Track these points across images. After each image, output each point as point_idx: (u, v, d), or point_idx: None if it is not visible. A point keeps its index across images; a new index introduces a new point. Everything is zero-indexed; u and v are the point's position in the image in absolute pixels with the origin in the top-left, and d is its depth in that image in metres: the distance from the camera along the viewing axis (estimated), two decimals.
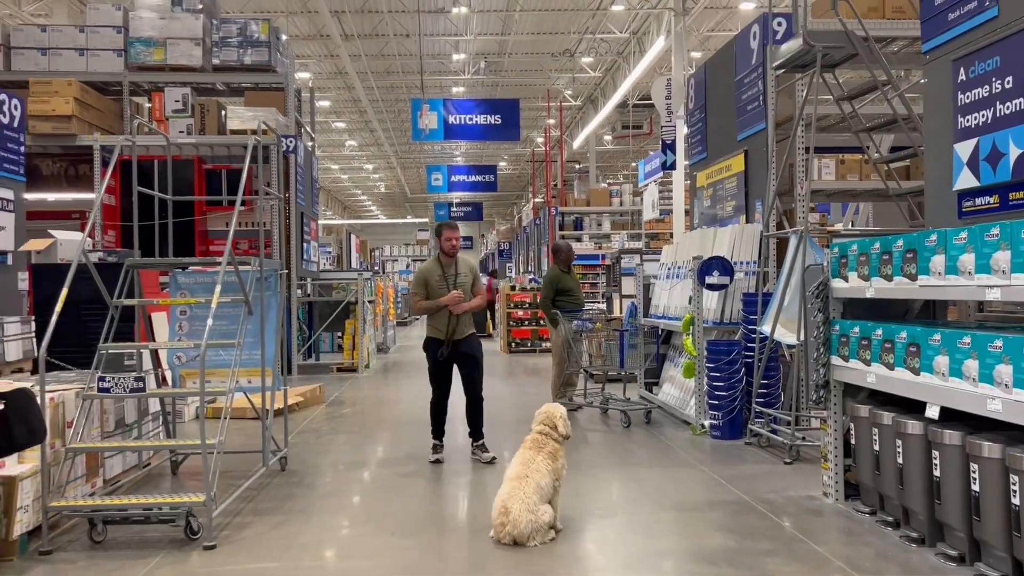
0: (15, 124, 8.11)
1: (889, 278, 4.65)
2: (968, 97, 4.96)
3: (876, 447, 4.86)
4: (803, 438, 6.69)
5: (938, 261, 4.22)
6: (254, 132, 11.61)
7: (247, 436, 7.65)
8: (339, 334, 15.03)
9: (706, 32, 20.64)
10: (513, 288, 18.18)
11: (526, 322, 17.48)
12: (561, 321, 9.07)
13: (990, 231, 3.86)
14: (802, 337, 6.20)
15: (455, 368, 6.85)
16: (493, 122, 20.38)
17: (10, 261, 7.83)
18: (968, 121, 4.95)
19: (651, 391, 9.60)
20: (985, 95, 4.79)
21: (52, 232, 8.30)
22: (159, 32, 12.19)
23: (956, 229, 4.13)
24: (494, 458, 6.75)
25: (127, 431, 6.01)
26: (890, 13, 7.57)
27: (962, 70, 5.02)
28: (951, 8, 5.18)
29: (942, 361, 4.16)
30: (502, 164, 39.61)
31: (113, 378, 4.99)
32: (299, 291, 13.52)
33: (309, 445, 7.57)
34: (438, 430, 6.91)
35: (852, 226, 10.13)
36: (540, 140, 31.11)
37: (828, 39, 6.66)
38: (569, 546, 4.64)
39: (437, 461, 6.75)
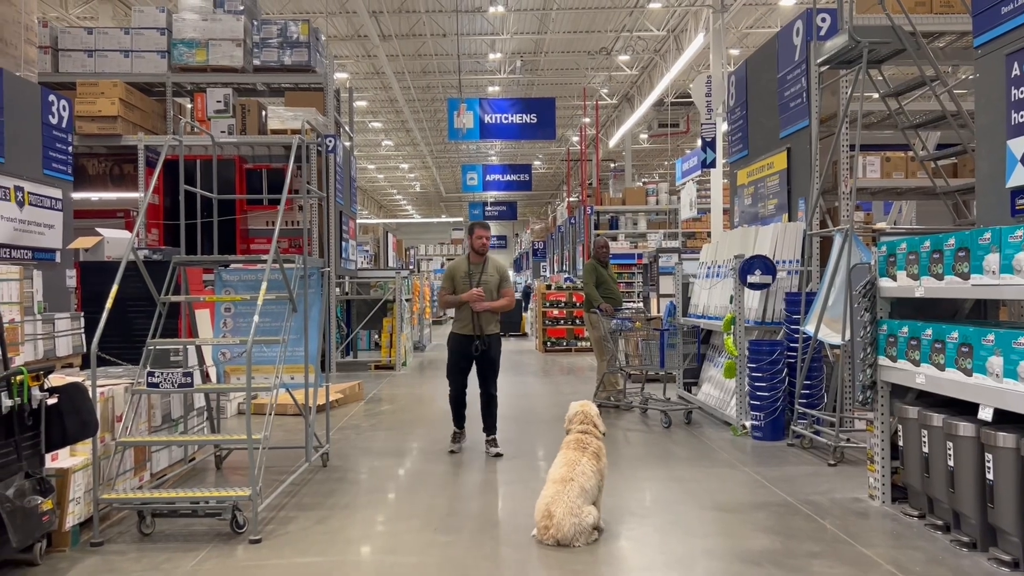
0: (63, 125, 8.29)
1: (940, 277, 4.56)
2: (1023, 92, 4.84)
3: (925, 449, 4.77)
4: (847, 439, 6.60)
5: (992, 260, 4.13)
6: (295, 132, 11.76)
7: (288, 432, 7.75)
8: (377, 332, 15.14)
9: (745, 29, 20.43)
10: (548, 287, 18.17)
11: (561, 321, 17.45)
12: (600, 320, 9.04)
13: None
14: (847, 337, 6.12)
15: (475, 365, 7.07)
16: (529, 121, 20.37)
17: (59, 259, 8.00)
18: (1022, 117, 4.83)
19: (690, 391, 9.53)
20: None
21: (99, 230, 8.46)
22: (201, 33, 12.37)
23: (1011, 227, 4.03)
24: (500, 454, 6.93)
25: (173, 426, 6.11)
26: (938, 7, 7.41)
27: (1016, 65, 4.91)
28: (1004, 2, 5.06)
29: (996, 362, 4.07)
30: (537, 163, 39.60)
31: (161, 373, 5.07)
32: (337, 289, 13.64)
33: (350, 441, 7.63)
34: (459, 422, 7.18)
35: (896, 224, 9.95)
36: (575, 139, 31.04)
37: (874, 34, 6.55)
38: (611, 546, 4.62)
39: (453, 452, 7.05)
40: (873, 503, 5.32)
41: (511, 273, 47.50)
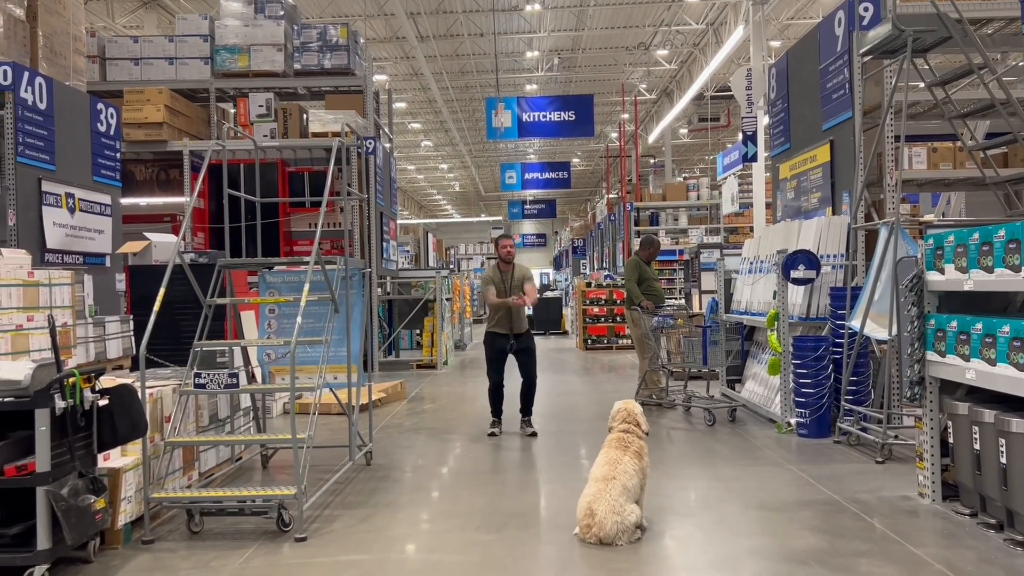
0: (111, 132, 8.49)
1: (990, 270, 4.45)
2: None
3: (976, 446, 4.66)
4: (895, 436, 6.48)
5: None
6: (335, 134, 11.88)
7: (332, 431, 7.85)
8: (418, 331, 15.26)
9: (785, 20, 20.13)
10: (588, 285, 18.11)
11: (602, 319, 17.38)
12: (641, 317, 8.99)
13: None
14: (894, 332, 6.01)
15: (511, 358, 7.87)
16: (567, 118, 20.32)
17: (108, 263, 8.20)
18: None
19: (734, 388, 9.43)
20: None
21: (147, 235, 8.65)
22: (243, 39, 12.56)
23: None
24: (535, 433, 7.81)
25: (220, 426, 6.22)
26: None
27: None
28: None
29: None
30: (575, 160, 39.47)
31: (208, 374, 5.17)
32: (379, 289, 13.76)
33: (393, 440, 7.70)
34: (497, 411, 7.97)
35: (944, 216, 9.72)
36: (614, 135, 30.89)
37: (919, 22, 6.41)
38: (655, 545, 4.59)
39: (493, 434, 7.80)
40: (923, 501, 5.22)
41: (550, 271, 47.84)
